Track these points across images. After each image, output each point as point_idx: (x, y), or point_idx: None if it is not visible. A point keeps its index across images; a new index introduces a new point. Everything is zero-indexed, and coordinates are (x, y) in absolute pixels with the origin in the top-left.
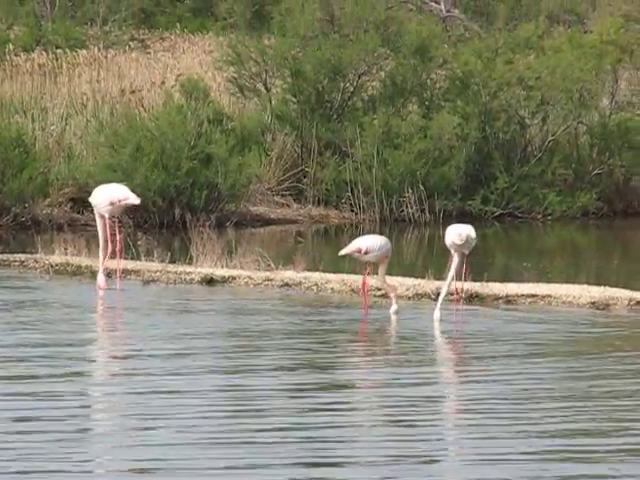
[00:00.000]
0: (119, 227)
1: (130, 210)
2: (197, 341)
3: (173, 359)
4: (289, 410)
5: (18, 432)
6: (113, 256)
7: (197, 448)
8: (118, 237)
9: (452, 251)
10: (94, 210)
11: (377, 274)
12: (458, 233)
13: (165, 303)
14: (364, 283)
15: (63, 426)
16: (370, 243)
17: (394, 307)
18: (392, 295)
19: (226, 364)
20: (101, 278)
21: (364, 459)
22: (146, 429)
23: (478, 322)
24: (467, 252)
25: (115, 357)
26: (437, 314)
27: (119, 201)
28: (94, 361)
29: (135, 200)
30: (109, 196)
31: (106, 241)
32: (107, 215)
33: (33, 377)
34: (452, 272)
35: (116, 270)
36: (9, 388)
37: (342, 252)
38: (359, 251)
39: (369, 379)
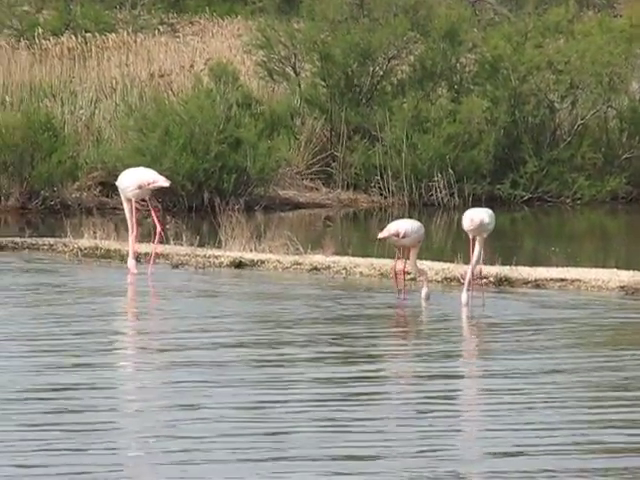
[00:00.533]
0: (155, 210)
1: (158, 194)
2: (229, 329)
3: (205, 349)
4: (320, 401)
5: (46, 424)
6: (141, 240)
7: (229, 439)
8: (156, 220)
9: (470, 235)
10: (120, 194)
11: (406, 259)
12: (471, 218)
13: (194, 287)
14: (395, 268)
15: (89, 418)
16: (408, 226)
17: (425, 291)
18: (423, 279)
19: (256, 352)
20: (131, 262)
21: (393, 451)
22: (177, 420)
23: (508, 307)
24: (485, 235)
25: (145, 346)
26: (464, 298)
27: (148, 184)
28: (123, 350)
29: (165, 182)
30: (138, 179)
31: (133, 225)
32: (134, 199)
33: (59, 367)
34: (476, 256)
35: (145, 255)
36: (35, 379)
37: (380, 235)
38: (397, 234)
39: (400, 370)
